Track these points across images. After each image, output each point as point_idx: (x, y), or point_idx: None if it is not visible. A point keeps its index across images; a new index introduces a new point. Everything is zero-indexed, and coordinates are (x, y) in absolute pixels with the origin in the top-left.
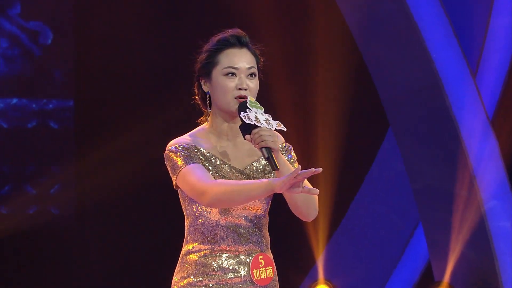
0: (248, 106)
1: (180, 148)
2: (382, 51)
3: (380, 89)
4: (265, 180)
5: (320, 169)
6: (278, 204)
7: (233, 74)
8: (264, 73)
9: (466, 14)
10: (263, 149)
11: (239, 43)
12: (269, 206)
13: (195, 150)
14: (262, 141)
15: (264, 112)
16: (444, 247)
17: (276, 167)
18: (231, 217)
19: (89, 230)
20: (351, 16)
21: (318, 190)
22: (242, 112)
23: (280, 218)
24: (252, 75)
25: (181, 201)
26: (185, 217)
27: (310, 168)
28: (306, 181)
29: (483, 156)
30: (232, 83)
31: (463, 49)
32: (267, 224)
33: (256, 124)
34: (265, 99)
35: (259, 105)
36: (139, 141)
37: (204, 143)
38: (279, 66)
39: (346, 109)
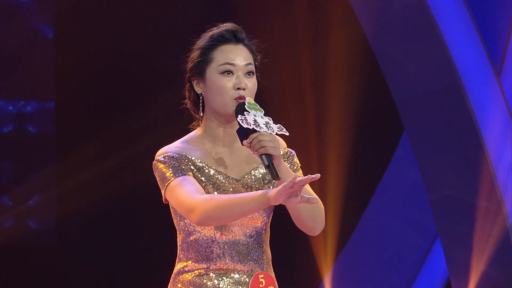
0: (246, 109)
1: (169, 158)
2: (396, 48)
3: (394, 90)
4: (259, 192)
5: (318, 175)
6: (280, 216)
7: (229, 72)
8: (271, 74)
9: (489, 7)
10: (263, 156)
11: (234, 38)
12: (270, 219)
13: (186, 160)
14: (261, 147)
15: (265, 114)
16: (465, 264)
17: (277, 176)
18: (228, 232)
19: (72, 247)
20: (362, 10)
21: (317, 198)
22: (239, 115)
23: (283, 231)
24: (250, 73)
25: (172, 215)
26: (177, 232)
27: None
28: (309, 189)
29: (507, 164)
30: (229, 82)
31: (485, 45)
32: (268, 239)
33: (255, 128)
34: (270, 101)
35: (258, 106)
36: (127, 147)
37: (197, 151)
38: (286, 66)
39: (357, 112)
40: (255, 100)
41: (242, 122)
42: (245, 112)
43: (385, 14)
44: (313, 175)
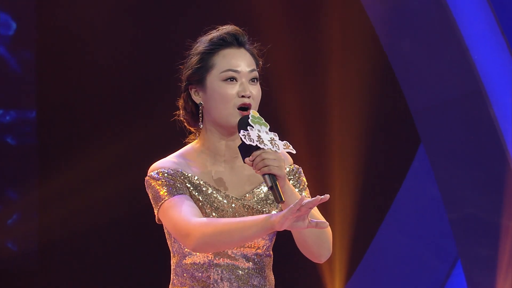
0: (250, 123)
1: (163, 174)
2: (412, 51)
3: (410, 98)
4: (262, 216)
5: (327, 196)
6: (284, 237)
7: (233, 78)
8: (272, 81)
9: None
10: (266, 176)
11: (236, 42)
12: (273, 242)
13: (182, 177)
14: (265, 167)
15: (270, 130)
16: None
17: (281, 199)
18: (227, 256)
19: (55, 271)
20: (374, 9)
21: (327, 223)
22: (242, 131)
23: (287, 254)
24: (254, 79)
25: (166, 236)
26: (171, 255)
27: (322, 194)
28: (317, 212)
29: None
30: (232, 90)
31: (511, 49)
32: (271, 264)
33: (259, 145)
34: (270, 111)
35: (263, 121)
36: (116, 161)
37: (194, 167)
38: (288, 71)
39: (368, 123)
40: (259, 110)
41: (245, 138)
42: (248, 127)
43: (399, 14)
44: (322, 196)
